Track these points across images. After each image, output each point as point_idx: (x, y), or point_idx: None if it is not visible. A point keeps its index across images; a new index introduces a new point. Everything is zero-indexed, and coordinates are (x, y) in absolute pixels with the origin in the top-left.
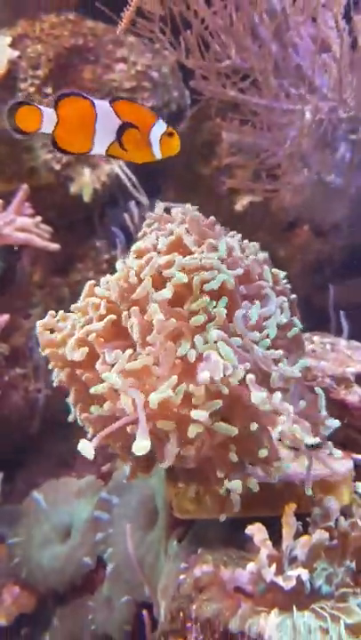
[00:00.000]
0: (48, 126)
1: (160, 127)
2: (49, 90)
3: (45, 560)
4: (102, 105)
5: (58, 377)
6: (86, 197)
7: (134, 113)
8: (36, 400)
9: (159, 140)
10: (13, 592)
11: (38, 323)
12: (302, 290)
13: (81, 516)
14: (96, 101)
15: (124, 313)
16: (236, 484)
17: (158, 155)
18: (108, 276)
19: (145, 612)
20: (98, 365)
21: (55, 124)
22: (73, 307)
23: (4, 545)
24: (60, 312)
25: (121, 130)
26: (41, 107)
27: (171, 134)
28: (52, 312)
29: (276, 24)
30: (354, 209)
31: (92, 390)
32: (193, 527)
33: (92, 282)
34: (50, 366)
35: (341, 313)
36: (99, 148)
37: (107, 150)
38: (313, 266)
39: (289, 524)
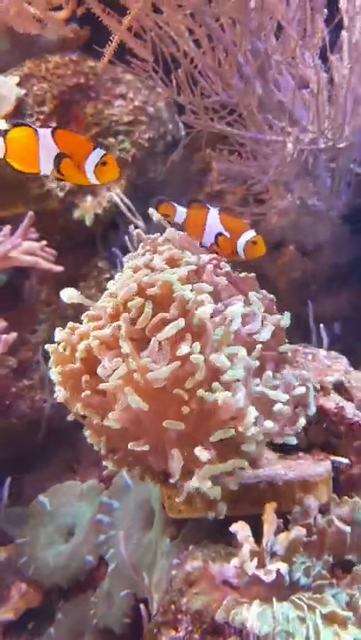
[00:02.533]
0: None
1: (95, 157)
2: (53, 124)
3: (50, 558)
4: (44, 134)
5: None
6: (88, 222)
7: (71, 143)
8: (42, 409)
9: (94, 169)
10: (20, 589)
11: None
12: (290, 305)
13: (84, 517)
14: (39, 130)
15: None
16: (215, 491)
17: (94, 181)
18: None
19: (142, 606)
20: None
21: (5, 151)
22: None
23: (12, 545)
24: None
25: (58, 159)
26: None
27: (104, 163)
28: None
29: (259, 63)
30: (334, 230)
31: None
32: (186, 526)
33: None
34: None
35: (321, 326)
36: (45, 170)
37: (50, 173)
38: (299, 282)
39: (269, 522)
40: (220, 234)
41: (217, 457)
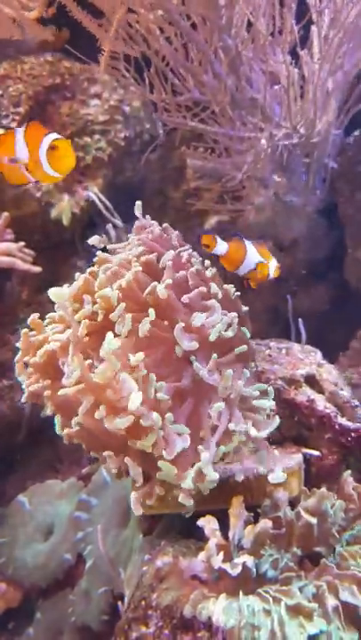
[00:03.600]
0: None
1: (47, 140)
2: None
3: (29, 558)
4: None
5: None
6: (65, 221)
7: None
8: (22, 410)
9: (47, 158)
10: (0, 588)
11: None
12: (269, 299)
13: (62, 516)
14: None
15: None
16: (188, 483)
17: (52, 173)
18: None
19: (120, 603)
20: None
21: None
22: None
23: None
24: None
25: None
26: None
27: (54, 147)
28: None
29: (229, 60)
30: (311, 225)
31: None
32: (160, 522)
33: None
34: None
35: (300, 320)
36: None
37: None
38: (277, 278)
39: (235, 515)
40: (260, 262)
41: None
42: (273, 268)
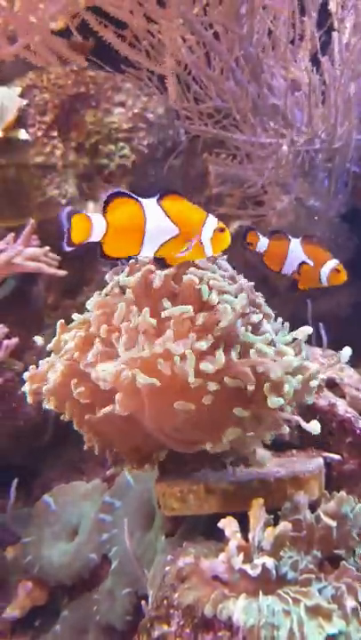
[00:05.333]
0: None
1: (210, 226)
2: (54, 133)
3: (55, 557)
4: (151, 206)
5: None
6: None
7: (184, 213)
8: (48, 411)
9: (210, 240)
10: (27, 587)
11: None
12: (290, 304)
13: (87, 517)
14: (144, 202)
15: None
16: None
17: (210, 253)
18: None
19: (143, 603)
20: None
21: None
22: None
23: (18, 544)
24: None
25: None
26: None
27: (222, 230)
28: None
29: (251, 67)
30: (333, 229)
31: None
32: (183, 524)
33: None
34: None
35: (320, 325)
36: (148, 252)
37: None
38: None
39: (256, 517)
40: (303, 262)
41: None
42: (326, 272)
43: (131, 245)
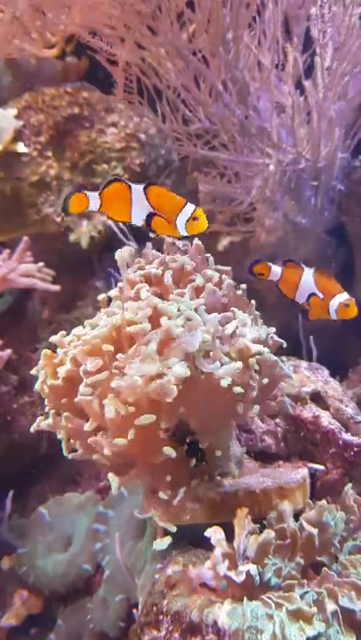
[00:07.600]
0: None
1: (187, 212)
2: (49, 153)
3: (50, 567)
4: (137, 189)
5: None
6: (84, 244)
7: (164, 200)
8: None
9: (185, 225)
10: (22, 596)
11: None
12: (280, 317)
13: (81, 527)
14: (133, 185)
15: None
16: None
17: (184, 234)
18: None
19: (135, 611)
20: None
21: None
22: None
23: (14, 554)
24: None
25: (148, 218)
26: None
27: (196, 218)
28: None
29: (237, 90)
30: (320, 245)
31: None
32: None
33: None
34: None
35: (311, 338)
36: (136, 221)
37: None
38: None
39: (240, 526)
40: (312, 294)
41: None
42: (334, 305)
43: (121, 212)
